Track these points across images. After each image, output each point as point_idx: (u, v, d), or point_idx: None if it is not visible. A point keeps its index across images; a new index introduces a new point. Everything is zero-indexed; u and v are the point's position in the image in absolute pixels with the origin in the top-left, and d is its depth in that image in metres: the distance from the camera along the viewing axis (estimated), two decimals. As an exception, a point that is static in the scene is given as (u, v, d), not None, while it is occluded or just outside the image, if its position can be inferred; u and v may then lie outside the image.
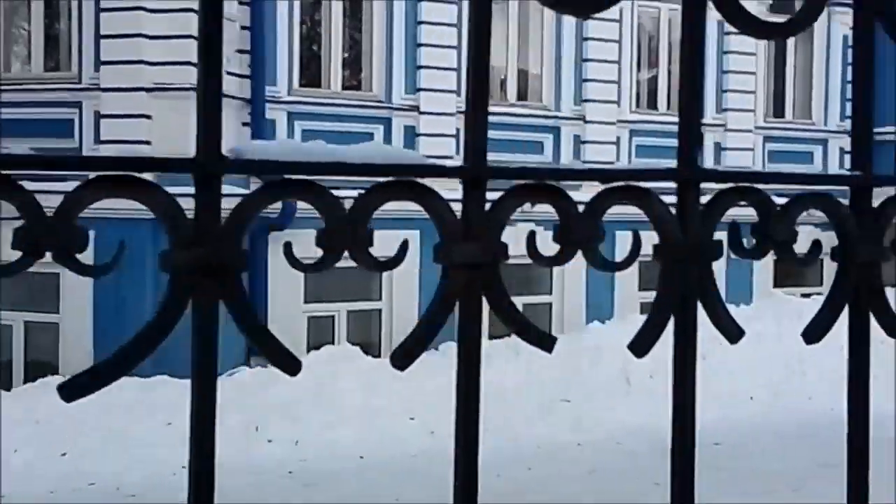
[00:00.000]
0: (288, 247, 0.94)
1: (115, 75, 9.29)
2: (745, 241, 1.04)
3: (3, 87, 9.77)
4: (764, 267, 13.05)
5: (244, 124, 10.32)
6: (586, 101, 12.40)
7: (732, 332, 1.02)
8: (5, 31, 10.02)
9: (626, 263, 0.99)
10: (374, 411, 7.69)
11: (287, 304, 10.40)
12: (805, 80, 13.93)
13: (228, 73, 9.92)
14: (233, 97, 10.04)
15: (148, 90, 9.26)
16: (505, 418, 7.78)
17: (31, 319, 9.69)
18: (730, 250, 1.04)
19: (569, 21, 12.10)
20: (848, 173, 1.09)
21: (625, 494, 6.23)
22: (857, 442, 1.07)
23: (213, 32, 0.84)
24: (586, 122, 12.42)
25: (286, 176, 0.87)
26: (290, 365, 0.87)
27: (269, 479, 6.80)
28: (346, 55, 11.43)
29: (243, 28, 10.07)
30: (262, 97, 10.28)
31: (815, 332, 1.05)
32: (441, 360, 9.91)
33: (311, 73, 11.14)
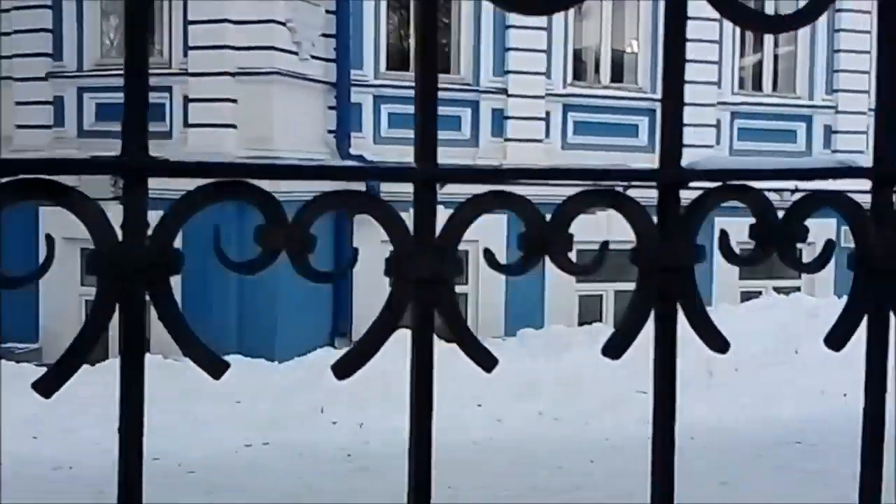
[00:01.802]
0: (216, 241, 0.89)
1: (202, 60, 9.45)
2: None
3: (99, 73, 10.05)
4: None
5: (330, 108, 10.39)
6: (686, 82, 12.02)
7: (716, 343, 0.97)
8: (101, 20, 10.29)
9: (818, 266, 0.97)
10: (442, 397, 7.57)
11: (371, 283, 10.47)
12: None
13: (313, 58, 10.02)
14: (318, 81, 10.12)
15: (233, 74, 9.40)
16: (576, 408, 7.67)
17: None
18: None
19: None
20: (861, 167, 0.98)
21: (683, 492, 6.04)
22: (871, 454, 1.00)
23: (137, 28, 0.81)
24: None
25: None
26: (214, 368, 0.86)
27: (326, 461, 6.86)
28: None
29: (328, 12, 10.12)
30: (347, 81, 10.32)
31: (837, 339, 0.98)
32: (517, 347, 9.92)
33: (398, 56, 11.13)
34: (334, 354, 9.40)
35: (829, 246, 0.97)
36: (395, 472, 6.73)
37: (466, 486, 6.17)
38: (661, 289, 0.92)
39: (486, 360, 0.92)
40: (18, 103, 10.25)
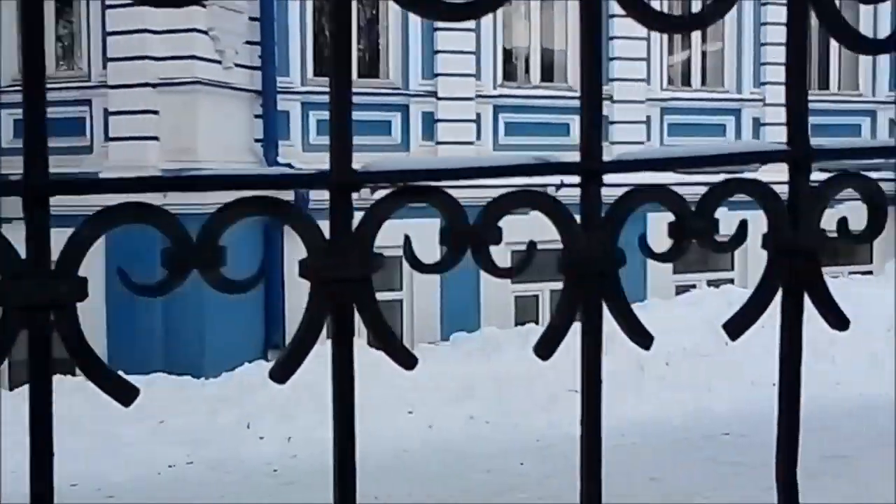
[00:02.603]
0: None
1: (121, 72, 9.29)
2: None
3: (17, 89, 9.82)
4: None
5: (257, 116, 10.27)
6: (614, 80, 12.15)
7: (643, 340, 0.96)
8: (18, 33, 10.07)
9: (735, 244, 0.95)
10: (373, 405, 7.61)
11: (304, 294, 10.37)
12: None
13: (237, 66, 9.90)
14: (243, 89, 10.00)
15: (154, 85, 9.25)
16: (508, 410, 7.65)
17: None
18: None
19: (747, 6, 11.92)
20: (779, 147, 0.95)
21: (613, 491, 6.06)
22: (786, 449, 1.02)
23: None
24: (614, 101, 12.15)
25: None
26: (124, 394, 0.85)
27: (251, 477, 6.77)
28: (361, 42, 11.31)
29: (252, 19, 10.01)
30: (272, 89, 10.21)
31: (736, 326, 0.96)
32: (450, 351, 9.89)
33: (325, 62, 11.04)
34: (265, 368, 9.34)
35: (743, 225, 0.94)
36: (322, 486, 6.63)
37: (396, 495, 6.12)
38: (587, 291, 0.92)
39: (406, 360, 0.92)
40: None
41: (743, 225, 0.92)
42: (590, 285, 0.91)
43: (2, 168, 9.60)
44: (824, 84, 13.38)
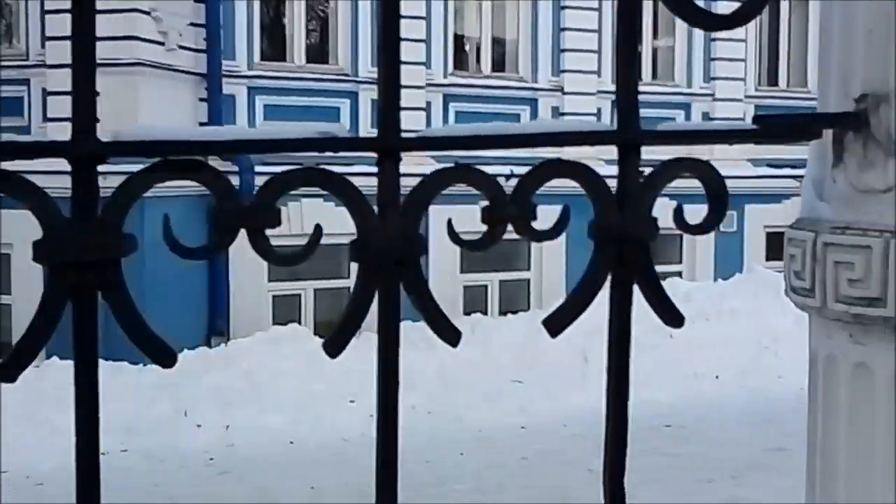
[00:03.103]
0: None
1: (60, 51, 9.00)
2: None
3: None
4: (754, 240, 12.88)
5: (201, 100, 10.10)
6: (564, 71, 12.15)
7: (673, 317, 0.91)
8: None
9: (553, 233, 0.90)
10: (314, 395, 7.53)
11: (249, 281, 10.27)
12: (800, 45, 13.55)
13: (181, 48, 9.71)
14: (187, 72, 9.82)
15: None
16: (451, 401, 7.60)
17: (-16, 301, 9.56)
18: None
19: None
20: (607, 128, 0.90)
21: (549, 483, 6.07)
22: (613, 452, 0.98)
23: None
24: (564, 93, 12.16)
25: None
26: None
27: (186, 466, 6.65)
28: (310, 26, 11.17)
29: (197, 1, 9.82)
30: (218, 72, 10.03)
31: (556, 322, 0.90)
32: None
33: (273, 46, 10.89)
34: (207, 355, 9.23)
35: (565, 212, 0.88)
36: (257, 475, 6.52)
37: (331, 485, 6.04)
38: (385, 280, 0.88)
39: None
40: None
41: (565, 211, 0.87)
42: (387, 274, 0.86)
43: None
44: (773, 80, 13.51)
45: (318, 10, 11.33)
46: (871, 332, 0.91)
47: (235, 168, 9.94)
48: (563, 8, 12.03)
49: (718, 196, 0.82)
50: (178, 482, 6.36)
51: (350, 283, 11.06)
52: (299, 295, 10.71)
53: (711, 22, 0.83)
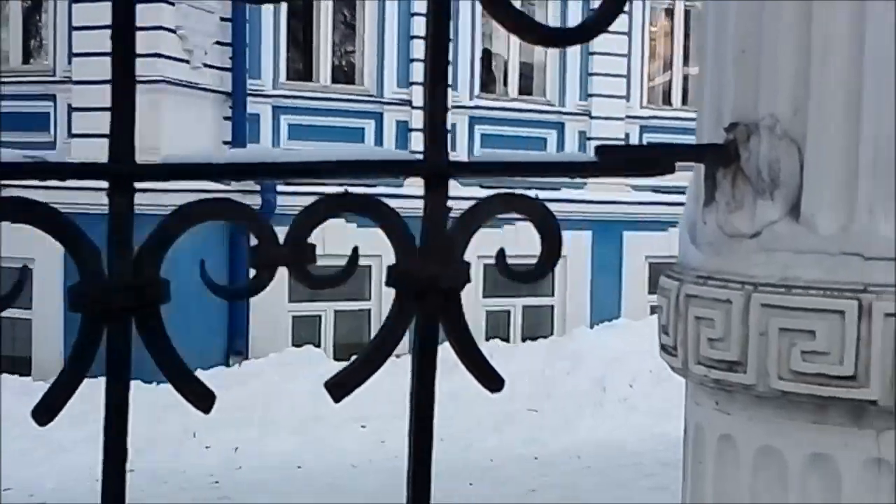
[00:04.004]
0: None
1: (86, 68, 9.08)
2: None
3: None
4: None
5: (226, 118, 10.10)
6: (592, 95, 11.95)
7: (491, 380, 0.85)
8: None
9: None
10: (324, 418, 7.43)
11: (269, 301, 10.23)
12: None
13: (206, 66, 9.72)
14: (212, 90, 9.82)
15: (119, 83, 9.06)
16: (463, 428, 7.46)
17: (4, 315, 9.60)
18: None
19: (574, 8, 11.59)
20: (413, 158, 0.81)
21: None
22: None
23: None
24: (592, 117, 11.96)
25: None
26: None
27: (190, 489, 6.56)
28: (336, 47, 11.15)
29: (224, 20, 9.84)
30: (242, 91, 10.02)
31: (341, 385, 0.80)
32: (408, 365, 9.71)
33: (299, 66, 10.88)
34: (219, 375, 9.17)
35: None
36: (259, 500, 6.37)
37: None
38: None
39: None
40: None
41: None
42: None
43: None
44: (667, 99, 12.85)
45: (345, 31, 11.32)
46: (734, 401, 0.79)
47: (258, 188, 9.94)
48: (414, 14, 11.59)
49: (549, 236, 0.71)
50: (178, 504, 6.29)
51: (371, 304, 10.97)
52: (319, 316, 10.64)
53: (549, 37, 0.73)
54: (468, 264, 0.69)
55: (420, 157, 0.76)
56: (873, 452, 0.73)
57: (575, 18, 11.06)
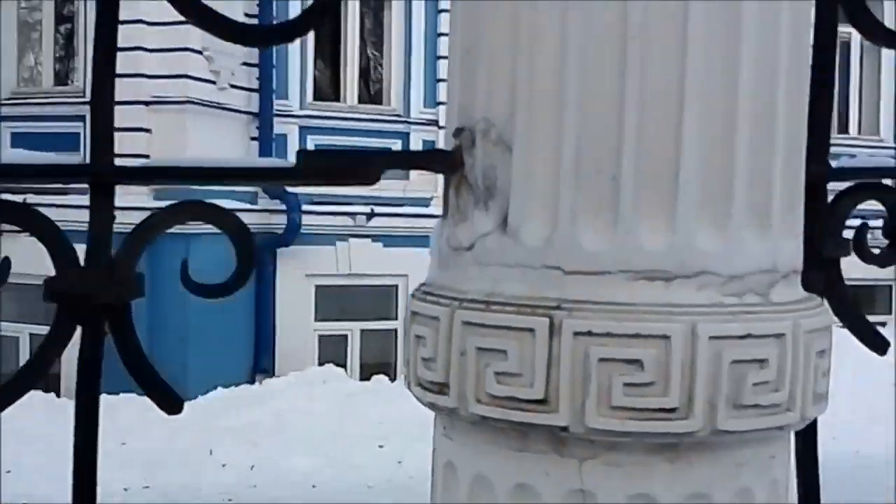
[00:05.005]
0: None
1: (115, 88, 9.23)
2: None
3: (16, 102, 9.85)
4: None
5: (253, 139, 10.18)
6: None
7: (171, 407, 0.86)
8: (19, 46, 10.10)
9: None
10: (342, 437, 7.40)
11: (295, 319, 10.26)
12: (872, 92, 13.07)
13: (233, 87, 9.82)
14: (238, 111, 9.92)
15: (147, 103, 9.19)
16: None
17: (35, 332, 9.73)
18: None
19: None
20: (78, 163, 0.81)
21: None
22: None
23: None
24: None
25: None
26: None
27: (203, 506, 6.57)
28: (363, 67, 11.18)
29: (250, 41, 9.93)
30: (269, 111, 10.11)
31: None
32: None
33: (326, 86, 10.94)
34: (238, 393, 9.21)
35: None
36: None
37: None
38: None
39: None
40: (-68, 133, 10.03)
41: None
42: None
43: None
44: (843, 128, 13.01)
45: (371, 52, 11.36)
46: (455, 426, 0.74)
47: (283, 207, 10.00)
48: (441, 35, 10.93)
49: (242, 249, 0.67)
50: (193, 523, 6.30)
51: (397, 324, 10.94)
52: (346, 335, 10.64)
53: (245, 35, 0.69)
54: (139, 277, 0.66)
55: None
56: (576, 483, 0.67)
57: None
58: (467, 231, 0.71)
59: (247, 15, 9.73)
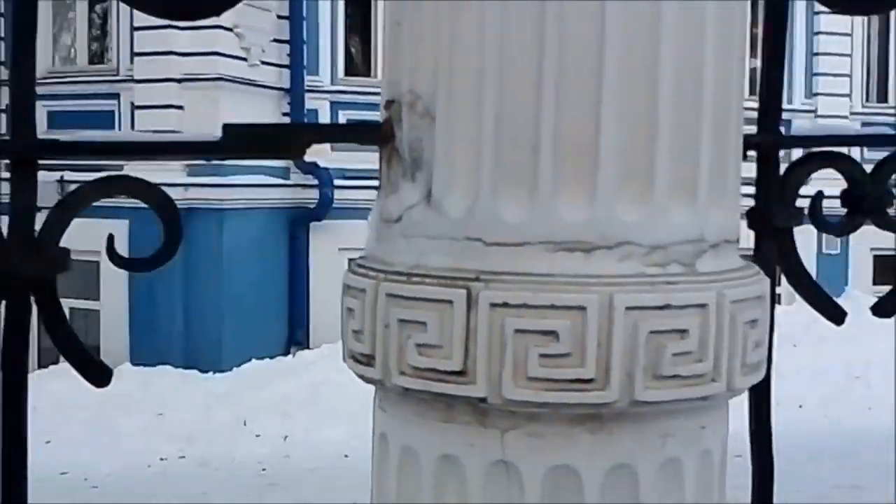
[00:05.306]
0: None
1: (148, 66, 9.31)
2: None
3: (51, 81, 9.96)
4: (861, 263, 12.22)
5: (284, 115, 10.21)
6: (817, 94, 12.06)
7: (98, 380, 0.85)
8: (54, 25, 10.20)
9: None
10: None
11: (329, 293, 10.32)
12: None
13: (264, 63, 9.84)
14: (270, 87, 9.94)
15: (178, 81, 9.25)
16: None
17: (75, 306, 9.89)
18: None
19: (800, 15, 11.66)
20: None
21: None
22: None
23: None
24: (817, 115, 11.96)
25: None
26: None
27: (239, 476, 6.62)
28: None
29: (280, 17, 9.94)
30: (300, 87, 10.12)
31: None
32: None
33: (357, 61, 10.92)
34: (272, 365, 9.29)
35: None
36: (305, 488, 6.42)
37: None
38: None
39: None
40: (-30, 112, 10.20)
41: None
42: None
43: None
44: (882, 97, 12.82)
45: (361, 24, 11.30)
46: (388, 398, 0.74)
47: (315, 182, 10.04)
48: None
49: (168, 223, 0.68)
50: (226, 492, 6.37)
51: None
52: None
53: (171, 11, 0.70)
54: (65, 252, 0.67)
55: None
56: (498, 454, 0.67)
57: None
58: (396, 203, 0.71)
59: None
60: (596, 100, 0.65)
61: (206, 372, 8.63)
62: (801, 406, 8.38)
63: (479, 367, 0.65)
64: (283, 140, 0.68)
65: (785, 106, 10.28)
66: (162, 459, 6.93)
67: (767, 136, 0.82)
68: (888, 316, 0.84)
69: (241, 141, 0.69)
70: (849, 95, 12.44)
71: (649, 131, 0.66)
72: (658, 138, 0.66)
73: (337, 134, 0.76)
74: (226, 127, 0.69)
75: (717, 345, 0.67)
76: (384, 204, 0.72)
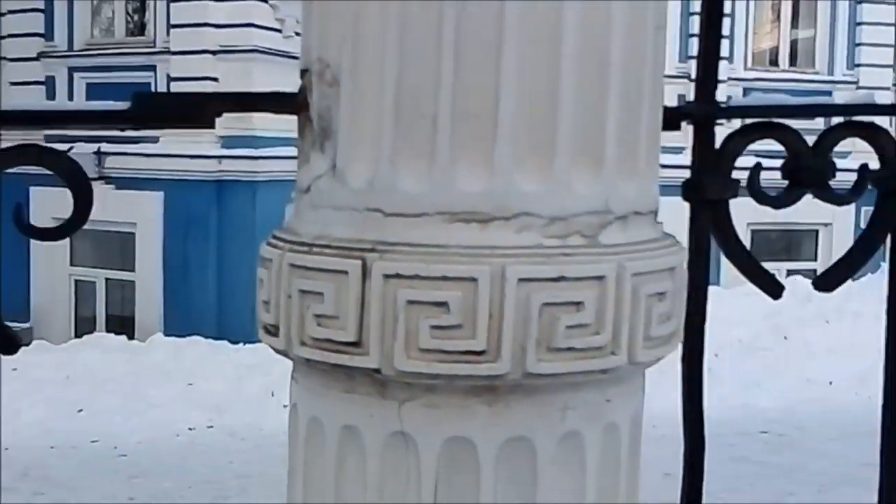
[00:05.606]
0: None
1: (183, 38, 9.36)
2: None
3: (90, 53, 10.05)
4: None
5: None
6: (860, 65, 11.89)
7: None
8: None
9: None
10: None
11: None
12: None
13: (298, 35, 9.81)
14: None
15: (213, 52, 9.29)
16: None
17: (111, 277, 10.02)
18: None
19: None
20: None
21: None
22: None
23: None
24: (858, 87, 11.78)
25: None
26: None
27: (265, 446, 6.65)
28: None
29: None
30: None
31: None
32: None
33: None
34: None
35: None
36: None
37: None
38: None
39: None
40: (12, 83, 10.30)
41: None
42: None
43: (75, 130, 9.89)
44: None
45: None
46: (298, 369, 0.74)
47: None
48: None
49: (78, 191, 0.68)
50: (251, 461, 6.46)
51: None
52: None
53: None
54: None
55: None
56: (396, 425, 0.67)
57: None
58: (306, 173, 0.71)
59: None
60: (495, 71, 0.64)
61: (237, 343, 8.71)
62: (830, 383, 8.28)
63: (373, 339, 0.65)
64: (194, 108, 0.69)
65: (825, 78, 10.16)
66: (190, 429, 7.02)
67: (701, 105, 0.80)
68: (828, 290, 0.82)
69: (151, 110, 0.69)
70: (892, 66, 12.21)
71: (551, 103, 0.65)
72: (560, 110, 0.65)
73: (250, 103, 0.75)
74: (136, 95, 0.69)
75: (616, 317, 0.66)
76: (299, 174, 0.72)
